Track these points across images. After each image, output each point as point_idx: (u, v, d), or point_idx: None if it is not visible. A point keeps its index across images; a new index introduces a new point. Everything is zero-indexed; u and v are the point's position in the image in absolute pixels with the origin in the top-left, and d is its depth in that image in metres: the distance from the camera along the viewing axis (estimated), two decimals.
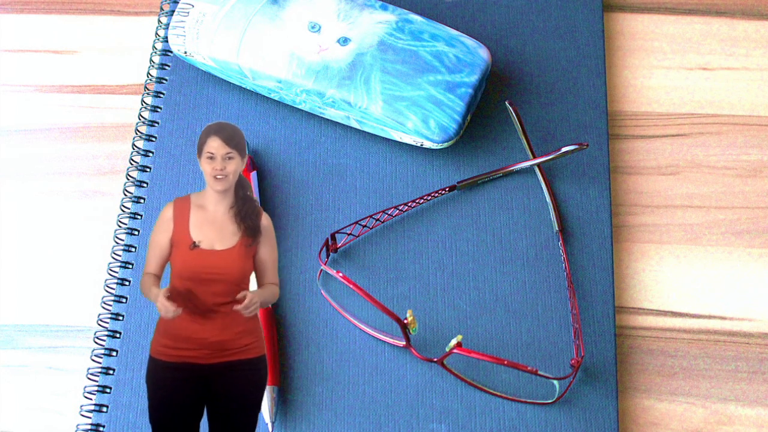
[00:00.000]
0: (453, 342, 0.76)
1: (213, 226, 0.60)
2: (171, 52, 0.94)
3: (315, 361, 0.82)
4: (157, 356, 0.60)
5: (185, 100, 0.92)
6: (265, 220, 0.62)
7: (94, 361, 0.81)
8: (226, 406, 0.61)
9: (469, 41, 0.89)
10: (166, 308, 0.58)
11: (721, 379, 0.84)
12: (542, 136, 0.90)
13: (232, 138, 0.59)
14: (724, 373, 0.84)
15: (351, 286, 0.76)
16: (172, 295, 0.59)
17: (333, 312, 0.84)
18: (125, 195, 0.88)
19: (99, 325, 0.82)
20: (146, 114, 0.91)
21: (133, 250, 0.85)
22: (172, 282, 0.60)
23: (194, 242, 0.59)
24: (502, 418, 0.81)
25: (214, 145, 0.58)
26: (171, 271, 0.60)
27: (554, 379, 0.78)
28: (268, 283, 0.61)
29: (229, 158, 0.58)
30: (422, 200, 0.87)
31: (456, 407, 0.81)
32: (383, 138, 0.90)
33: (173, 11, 0.96)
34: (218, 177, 0.58)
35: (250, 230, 0.59)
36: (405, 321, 0.78)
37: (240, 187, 0.60)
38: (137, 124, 0.91)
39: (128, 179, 0.88)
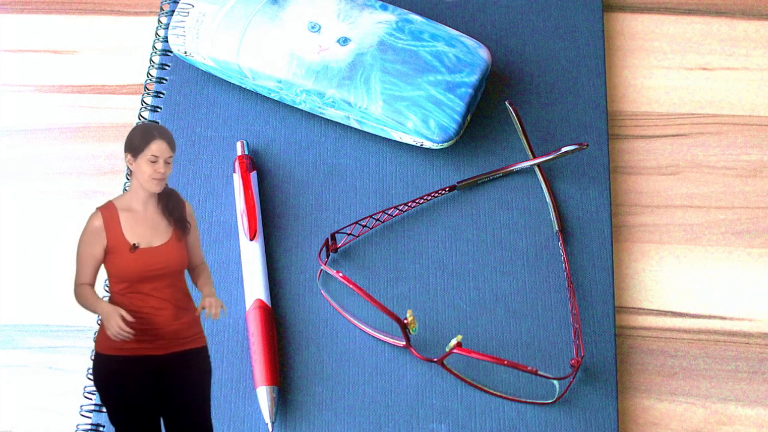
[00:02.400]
0: (453, 342, 0.76)
1: (145, 225, 0.61)
2: (171, 52, 0.94)
3: (315, 361, 0.82)
4: (111, 352, 0.60)
5: (185, 100, 0.92)
6: (188, 207, 0.63)
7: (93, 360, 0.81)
8: (183, 398, 0.61)
9: (469, 41, 0.89)
10: (120, 332, 0.58)
11: (721, 379, 0.84)
12: (542, 136, 0.90)
13: (172, 142, 0.61)
14: (724, 373, 0.84)
15: (351, 286, 0.76)
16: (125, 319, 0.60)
17: (333, 312, 0.84)
18: None
19: (99, 324, 0.82)
20: (146, 114, 0.91)
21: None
22: (111, 289, 0.60)
23: (134, 244, 0.60)
24: (502, 418, 0.81)
25: (161, 148, 0.60)
26: (110, 279, 0.61)
27: (554, 379, 0.78)
28: (197, 264, 0.63)
29: (168, 162, 0.59)
30: (422, 200, 0.87)
31: (456, 407, 0.81)
32: (383, 138, 0.90)
33: (173, 11, 0.96)
34: (157, 179, 0.60)
35: (179, 223, 0.60)
36: (405, 321, 0.78)
37: None
38: (137, 124, 0.91)
39: (128, 179, 0.88)
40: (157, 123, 0.60)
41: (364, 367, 0.82)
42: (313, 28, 0.88)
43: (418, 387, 0.81)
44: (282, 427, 0.80)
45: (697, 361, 0.84)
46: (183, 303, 0.61)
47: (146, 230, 0.60)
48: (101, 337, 0.61)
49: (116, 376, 0.60)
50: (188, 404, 0.61)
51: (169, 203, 0.61)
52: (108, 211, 0.60)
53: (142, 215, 0.61)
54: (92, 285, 0.59)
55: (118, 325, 0.58)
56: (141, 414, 0.60)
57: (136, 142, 0.61)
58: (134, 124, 0.93)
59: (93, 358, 0.61)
